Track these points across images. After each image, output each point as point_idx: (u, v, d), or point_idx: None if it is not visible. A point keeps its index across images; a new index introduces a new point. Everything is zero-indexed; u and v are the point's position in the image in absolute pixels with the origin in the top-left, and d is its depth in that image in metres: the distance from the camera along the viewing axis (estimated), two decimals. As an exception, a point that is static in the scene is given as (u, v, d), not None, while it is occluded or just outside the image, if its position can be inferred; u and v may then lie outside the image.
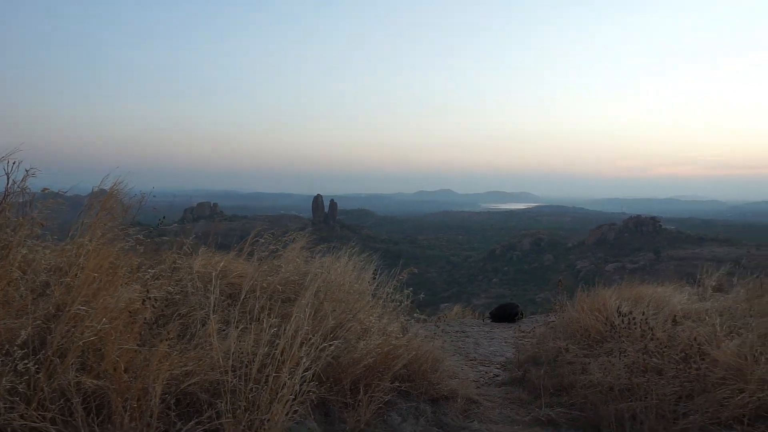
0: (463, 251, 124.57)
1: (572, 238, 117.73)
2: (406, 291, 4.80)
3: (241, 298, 3.59)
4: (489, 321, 8.34)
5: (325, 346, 3.19)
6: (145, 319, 3.00)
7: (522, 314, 8.17)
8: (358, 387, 3.52)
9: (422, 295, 4.96)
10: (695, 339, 3.90)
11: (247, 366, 2.87)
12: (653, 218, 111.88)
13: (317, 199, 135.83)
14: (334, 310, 3.83)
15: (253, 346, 3.00)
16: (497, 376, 5.22)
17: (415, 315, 4.91)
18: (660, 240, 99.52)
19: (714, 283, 6.86)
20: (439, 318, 8.31)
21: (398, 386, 3.82)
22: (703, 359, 3.90)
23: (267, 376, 2.86)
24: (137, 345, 2.79)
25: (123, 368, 2.57)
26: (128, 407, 2.52)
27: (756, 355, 3.71)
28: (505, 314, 8.08)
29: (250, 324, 3.19)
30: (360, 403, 3.42)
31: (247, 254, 4.64)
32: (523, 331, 6.97)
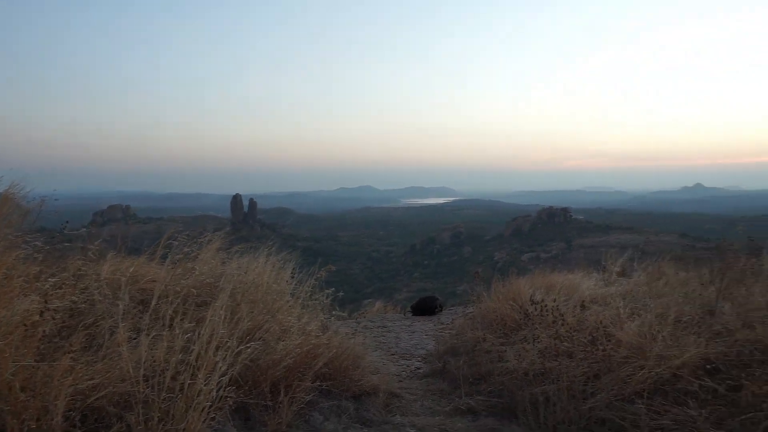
0: (385, 247, 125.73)
1: (490, 230, 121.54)
2: (326, 289, 4.78)
3: (153, 304, 3.44)
4: (410, 315, 8.45)
5: (242, 349, 3.12)
6: (44, 332, 2.81)
7: (442, 307, 8.34)
8: (278, 388, 3.46)
9: (341, 293, 4.95)
10: (601, 322, 4.12)
11: (160, 375, 2.76)
12: (564, 209, 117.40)
13: (236, 199, 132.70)
14: (252, 312, 3.76)
15: (166, 354, 2.88)
16: (419, 368, 5.30)
17: (335, 313, 4.89)
18: (571, 230, 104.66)
19: (618, 269, 7.29)
20: (360, 314, 8.34)
21: (320, 385, 3.79)
22: (608, 340, 4.13)
23: (182, 383, 2.75)
24: (35, 360, 2.61)
25: (19, 387, 2.40)
26: (26, 428, 2.35)
27: (654, 333, 3.97)
28: (425, 307, 8.23)
29: (163, 330, 3.06)
30: (281, 405, 3.37)
31: (160, 258, 4.45)
32: (442, 324, 7.12)
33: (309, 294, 4.63)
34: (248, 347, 3.20)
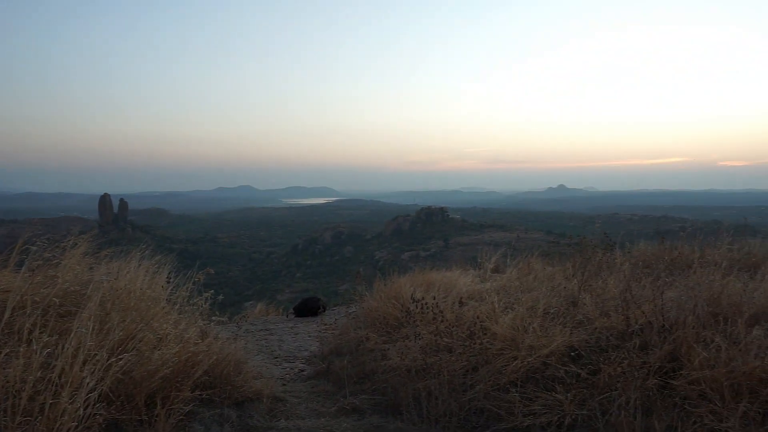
0: (266, 247, 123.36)
1: (371, 230, 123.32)
2: (205, 293, 4.59)
3: (5, 317, 3.11)
4: (293, 316, 8.36)
5: (112, 362, 2.91)
6: None
7: (324, 307, 8.33)
8: (154, 401, 3.27)
9: (221, 296, 4.78)
10: (478, 317, 4.33)
11: (14, 396, 2.49)
12: (442, 209, 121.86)
13: (104, 199, 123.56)
14: (124, 321, 3.51)
15: (23, 372, 2.61)
16: (303, 371, 5.26)
17: (215, 317, 4.72)
18: (448, 228, 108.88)
19: (492, 266, 7.69)
20: (241, 318, 8.10)
21: (200, 394, 3.64)
22: (485, 334, 4.35)
23: (42, 404, 2.51)
24: None
25: None
26: None
27: (525, 325, 4.24)
28: (308, 308, 8.17)
29: (19, 346, 2.78)
30: (157, 419, 3.19)
31: (15, 265, 4.02)
32: (326, 324, 7.11)
33: (186, 299, 4.42)
34: (120, 359, 2.99)
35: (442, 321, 4.28)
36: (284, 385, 4.74)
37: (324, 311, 8.25)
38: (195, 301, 4.48)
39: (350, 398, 4.20)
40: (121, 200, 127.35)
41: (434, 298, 4.63)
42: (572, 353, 4.00)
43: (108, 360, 2.89)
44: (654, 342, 3.87)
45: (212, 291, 4.70)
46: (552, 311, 4.54)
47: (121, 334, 3.31)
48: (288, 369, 5.36)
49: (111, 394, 3.04)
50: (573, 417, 3.55)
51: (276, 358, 5.79)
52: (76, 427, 2.56)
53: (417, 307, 4.44)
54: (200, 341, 3.96)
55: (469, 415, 3.78)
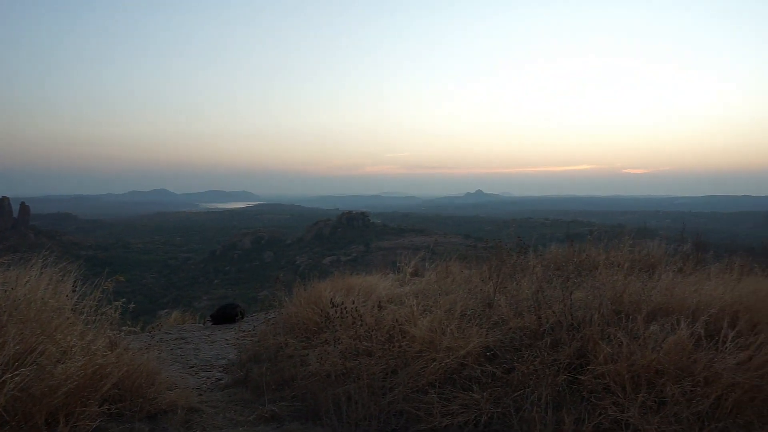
0: (183, 253, 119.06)
1: (291, 234, 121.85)
2: (115, 302, 4.37)
3: None
4: (210, 324, 8.12)
5: (7, 378, 2.71)
6: None
7: (243, 314, 8.15)
8: (57, 418, 3.08)
9: (133, 305, 4.58)
10: (397, 320, 4.38)
11: None
12: (363, 213, 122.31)
13: (2, 202, 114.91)
14: (22, 333, 3.29)
15: None
16: (220, 379, 5.11)
17: (125, 327, 4.50)
18: (369, 233, 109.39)
19: (411, 269, 7.79)
20: (154, 327, 7.77)
21: (108, 409, 3.46)
22: (404, 337, 4.40)
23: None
24: None
25: None
26: None
27: (443, 327, 4.33)
28: (226, 315, 7.97)
29: None
30: (60, 436, 3.00)
31: None
32: (244, 331, 6.96)
33: (94, 308, 4.19)
34: (17, 375, 2.79)
35: (361, 325, 4.29)
36: (201, 395, 4.59)
37: (242, 318, 8.07)
38: (104, 310, 4.26)
39: (269, 406, 4.13)
40: (22, 204, 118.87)
41: (353, 303, 4.64)
42: (488, 353, 4.13)
43: (2, 376, 2.69)
44: (564, 340, 4.07)
45: (124, 299, 4.49)
46: (469, 313, 4.66)
47: (18, 347, 3.09)
48: (205, 378, 5.20)
49: (5, 414, 2.83)
50: (489, 415, 3.66)
51: (192, 367, 5.60)
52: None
53: (336, 312, 4.44)
54: (109, 353, 3.77)
55: (388, 418, 3.81)
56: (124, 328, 4.45)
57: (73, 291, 4.25)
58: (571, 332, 4.11)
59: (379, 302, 4.85)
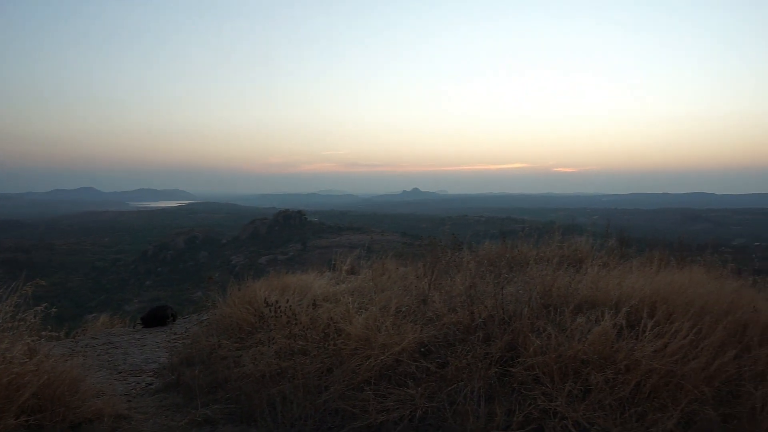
0: (111, 254, 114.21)
1: (227, 234, 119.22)
2: (35, 306, 4.15)
3: None
4: (140, 327, 7.83)
5: None
6: None
7: (175, 316, 7.91)
8: (-32, 431, 2.90)
9: (55, 309, 4.36)
10: (332, 318, 4.37)
11: None
12: (300, 212, 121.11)
13: None
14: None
15: None
16: (150, 384, 4.95)
17: (47, 333, 4.28)
18: (306, 231, 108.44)
19: (347, 267, 7.80)
20: (80, 332, 7.44)
21: (27, 420, 3.28)
22: (339, 335, 4.40)
23: None
24: None
25: None
26: None
27: (378, 325, 4.36)
28: (156, 318, 7.71)
29: None
30: (-28, 451, 2.83)
31: None
32: (176, 333, 6.76)
33: (11, 314, 3.96)
34: None
35: (296, 324, 4.26)
36: (130, 401, 4.42)
37: (174, 320, 7.83)
38: (22, 316, 4.04)
39: (202, 409, 4.03)
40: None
41: (287, 301, 4.60)
42: (422, 349, 4.19)
43: None
44: (495, 334, 4.18)
45: (45, 304, 4.27)
46: (404, 310, 4.72)
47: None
48: (134, 384, 5.02)
49: None
50: (424, 410, 3.72)
51: (120, 372, 5.39)
52: None
53: (270, 311, 4.38)
54: (27, 360, 3.57)
55: (324, 417, 3.80)
56: (44, 334, 4.21)
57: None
58: (502, 326, 4.22)
59: (314, 301, 4.83)
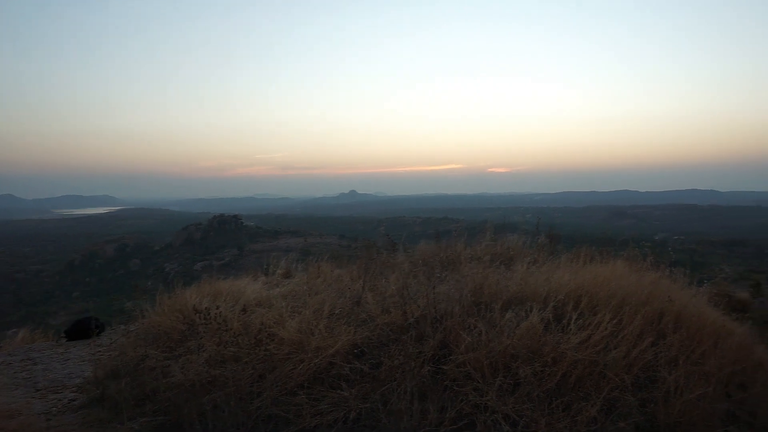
0: (33, 265, 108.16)
1: (159, 240, 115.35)
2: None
3: None
4: (64, 341, 7.45)
5: None
6: None
7: (102, 327, 7.57)
8: None
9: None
10: (263, 323, 4.30)
11: None
12: (235, 216, 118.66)
13: None
14: None
15: None
16: (73, 400, 4.71)
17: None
18: (242, 236, 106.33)
19: (283, 271, 7.69)
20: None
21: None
22: (272, 340, 4.33)
23: None
24: None
25: None
26: None
27: (312, 328, 4.33)
28: (81, 330, 7.35)
29: None
30: None
31: None
32: (102, 346, 6.48)
33: None
34: None
35: (226, 331, 4.17)
36: (49, 420, 4.20)
37: (101, 332, 7.49)
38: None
39: (129, 423, 3.88)
40: None
41: (218, 308, 4.50)
42: (356, 350, 4.18)
43: None
44: (428, 333, 4.22)
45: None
46: (337, 312, 4.70)
47: None
48: (55, 401, 4.76)
49: None
50: (358, 411, 3.72)
51: (39, 390, 5.10)
52: None
53: (200, 318, 4.27)
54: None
55: (257, 424, 3.74)
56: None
57: None
58: (434, 325, 4.28)
59: (244, 306, 4.73)
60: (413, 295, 4.67)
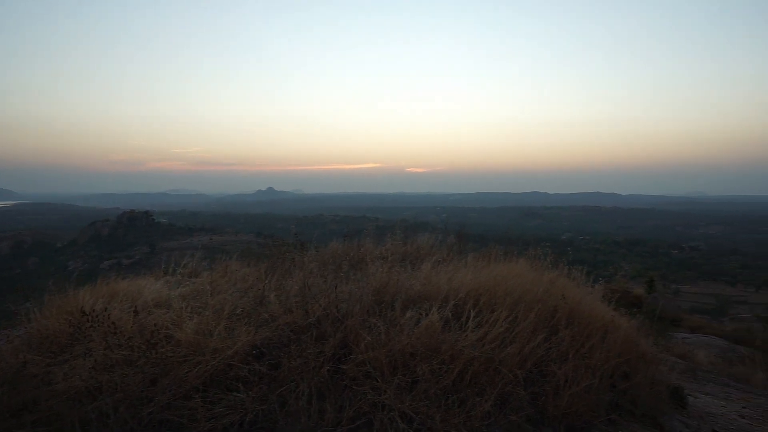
0: None
1: (62, 237, 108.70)
2: None
3: None
4: (-60, 347, 6.83)
5: None
6: None
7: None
8: None
9: None
10: (156, 325, 4.13)
11: None
12: (147, 212, 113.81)
13: None
14: None
15: None
16: (-57, 412, 4.32)
17: None
18: (154, 233, 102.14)
19: (188, 270, 7.42)
20: None
21: None
22: (168, 342, 4.16)
23: None
24: None
25: None
26: None
27: (211, 329, 4.20)
28: (-40, 335, 6.77)
29: None
30: None
31: None
32: (-18, 352, 5.99)
33: None
34: None
35: (115, 333, 3.96)
36: None
37: (-16, 336, 6.93)
38: None
39: (5, 435, 3.60)
40: None
41: (105, 309, 4.27)
42: (255, 351, 4.10)
43: None
44: (329, 332, 4.21)
45: None
46: (239, 312, 4.58)
47: None
48: None
49: None
50: (255, 413, 3.64)
51: None
52: None
53: (87, 320, 4.04)
54: None
55: (147, 430, 3.58)
56: None
57: None
58: (335, 324, 4.26)
59: (135, 307, 4.52)
60: (315, 294, 4.63)
